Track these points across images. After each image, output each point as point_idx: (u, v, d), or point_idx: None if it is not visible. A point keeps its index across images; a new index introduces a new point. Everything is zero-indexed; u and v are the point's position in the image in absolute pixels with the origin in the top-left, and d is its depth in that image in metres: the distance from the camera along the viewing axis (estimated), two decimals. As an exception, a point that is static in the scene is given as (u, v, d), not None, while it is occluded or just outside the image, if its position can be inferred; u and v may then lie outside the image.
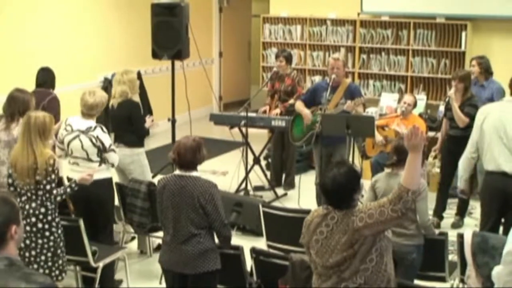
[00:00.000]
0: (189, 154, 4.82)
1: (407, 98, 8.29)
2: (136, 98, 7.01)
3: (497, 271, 4.00)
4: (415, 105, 8.28)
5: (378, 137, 8.40)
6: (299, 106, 7.91)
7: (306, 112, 7.78)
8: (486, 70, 8.03)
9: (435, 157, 8.48)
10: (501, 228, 6.22)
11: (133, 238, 7.27)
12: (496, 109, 6.17)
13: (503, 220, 6.21)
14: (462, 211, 7.84)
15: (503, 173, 5.97)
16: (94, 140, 6.06)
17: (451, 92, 7.57)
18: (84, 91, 6.22)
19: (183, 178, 4.84)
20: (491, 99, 7.53)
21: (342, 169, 3.89)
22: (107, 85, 10.67)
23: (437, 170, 8.32)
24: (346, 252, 3.77)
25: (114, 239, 6.64)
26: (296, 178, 9.01)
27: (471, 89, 7.55)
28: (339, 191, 3.84)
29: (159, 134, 10.52)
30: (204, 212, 4.78)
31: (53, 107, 7.51)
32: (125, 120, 6.89)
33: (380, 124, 8.59)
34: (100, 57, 10.79)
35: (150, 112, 10.20)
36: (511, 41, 9.72)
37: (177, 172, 4.90)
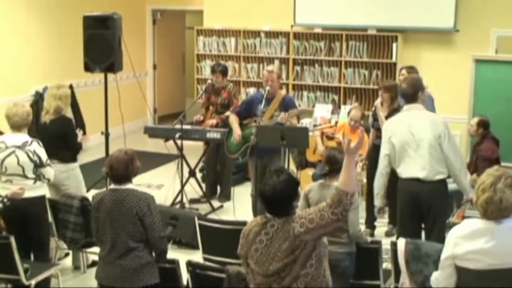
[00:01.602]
0: (122, 168, 4.79)
1: (354, 114, 8.32)
2: (69, 113, 6.91)
3: (435, 277, 4.08)
4: (363, 116, 8.32)
5: (320, 146, 8.47)
6: (232, 120, 7.93)
7: (236, 128, 7.80)
8: None
9: (362, 168, 8.49)
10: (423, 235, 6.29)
11: (67, 255, 7.15)
12: (402, 122, 6.17)
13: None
14: (394, 218, 7.91)
15: (417, 179, 6.02)
16: (31, 155, 5.95)
17: (377, 101, 7.66)
18: (7, 107, 6.11)
19: (118, 191, 4.80)
20: None
21: (282, 177, 3.91)
22: (38, 99, 10.50)
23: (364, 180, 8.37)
24: (287, 259, 3.79)
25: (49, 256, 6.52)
26: (232, 190, 9.01)
27: (398, 100, 7.62)
28: (279, 199, 3.86)
29: (92, 148, 10.37)
30: (141, 225, 4.74)
31: None
32: (59, 136, 6.78)
33: (326, 133, 8.66)
34: (31, 70, 10.60)
35: (82, 126, 10.05)
36: (439, 51, 9.95)
37: (112, 186, 4.86)
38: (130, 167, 4.82)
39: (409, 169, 6.06)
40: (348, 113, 8.65)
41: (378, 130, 7.61)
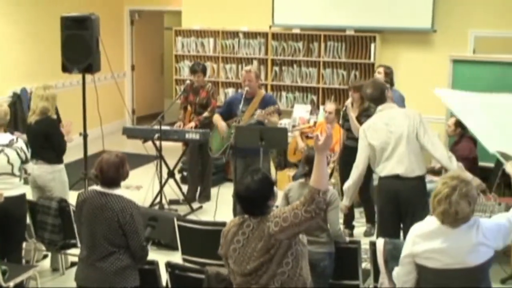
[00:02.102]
0: (112, 170, 4.73)
1: (329, 106, 8.31)
2: (53, 114, 6.90)
3: (396, 272, 4.14)
4: (337, 112, 8.32)
5: (301, 143, 8.46)
6: (216, 118, 7.93)
7: (221, 124, 7.79)
8: (391, 81, 8.16)
9: (334, 169, 8.45)
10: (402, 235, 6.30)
11: (45, 256, 7.11)
12: (379, 123, 6.18)
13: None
14: (371, 217, 7.93)
15: (396, 176, 6.03)
16: (19, 152, 6.00)
17: (348, 102, 7.66)
18: None
19: (104, 195, 4.74)
20: None
21: (256, 177, 3.93)
22: (16, 100, 10.43)
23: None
24: (263, 258, 3.81)
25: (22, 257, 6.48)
26: (212, 190, 9.00)
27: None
28: (252, 198, 3.88)
29: (70, 149, 10.16)
30: (122, 233, 4.70)
31: None
32: (44, 137, 6.77)
33: (305, 132, 8.65)
34: (8, 71, 10.52)
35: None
36: (417, 52, 10.01)
37: (99, 188, 4.79)
38: (121, 171, 4.77)
39: (387, 166, 6.07)
40: (325, 110, 8.69)
41: (349, 131, 7.63)
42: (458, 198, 3.74)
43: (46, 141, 6.77)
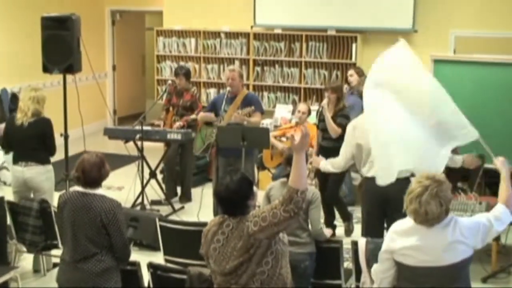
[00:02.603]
0: (95, 170, 4.71)
1: (301, 106, 8.33)
2: (44, 115, 6.90)
3: (374, 269, 4.16)
4: (309, 112, 8.30)
5: (280, 145, 8.47)
6: (202, 115, 7.98)
7: (206, 114, 7.83)
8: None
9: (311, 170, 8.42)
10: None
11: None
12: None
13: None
14: (345, 215, 7.93)
15: None
16: None
17: (324, 102, 7.67)
18: None
19: (86, 195, 4.71)
20: None
21: (235, 177, 3.97)
22: (-4, 100, 10.36)
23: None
24: (242, 257, 3.83)
25: (7, 259, 6.43)
26: (194, 190, 8.99)
27: (344, 100, 7.65)
28: (232, 198, 3.91)
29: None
30: (106, 232, 4.67)
31: None
32: (38, 138, 6.75)
33: (279, 135, 8.65)
34: (-12, 72, 10.46)
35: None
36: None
37: (80, 189, 4.75)
38: (102, 170, 4.76)
39: (374, 167, 6.05)
40: (293, 111, 8.70)
41: (324, 131, 7.64)
42: (428, 198, 3.77)
43: (40, 141, 6.74)
